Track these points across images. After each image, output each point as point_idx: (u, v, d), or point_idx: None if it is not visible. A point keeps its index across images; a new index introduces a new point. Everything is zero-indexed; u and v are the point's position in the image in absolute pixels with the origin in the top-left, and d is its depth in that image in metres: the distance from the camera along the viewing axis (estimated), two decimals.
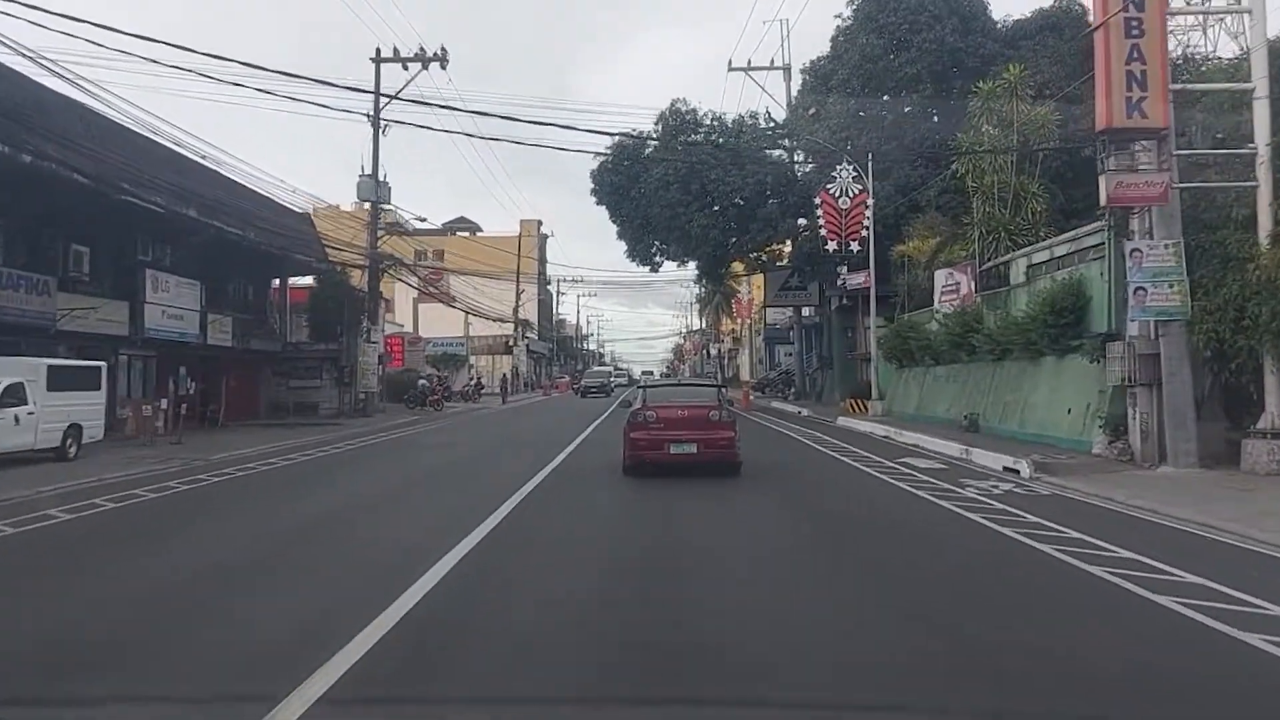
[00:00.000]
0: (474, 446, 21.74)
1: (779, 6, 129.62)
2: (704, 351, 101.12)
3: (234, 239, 27.35)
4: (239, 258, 29.62)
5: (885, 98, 30.56)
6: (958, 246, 26.45)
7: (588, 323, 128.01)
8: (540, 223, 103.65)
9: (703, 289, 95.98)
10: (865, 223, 26.68)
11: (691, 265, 43.34)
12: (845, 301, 32.45)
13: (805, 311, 42.73)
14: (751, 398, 37.36)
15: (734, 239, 34.15)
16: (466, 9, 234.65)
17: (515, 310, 67.08)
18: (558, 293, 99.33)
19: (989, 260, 22.16)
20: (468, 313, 54.63)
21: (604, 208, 37.59)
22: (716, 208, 32.77)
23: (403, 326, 56.37)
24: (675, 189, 32.72)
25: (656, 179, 33.27)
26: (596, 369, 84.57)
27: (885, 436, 21.49)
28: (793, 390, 42.47)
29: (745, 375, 66.20)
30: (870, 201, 26.64)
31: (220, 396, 30.46)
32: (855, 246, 26.79)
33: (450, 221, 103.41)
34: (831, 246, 26.93)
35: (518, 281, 67.07)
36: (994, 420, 19.17)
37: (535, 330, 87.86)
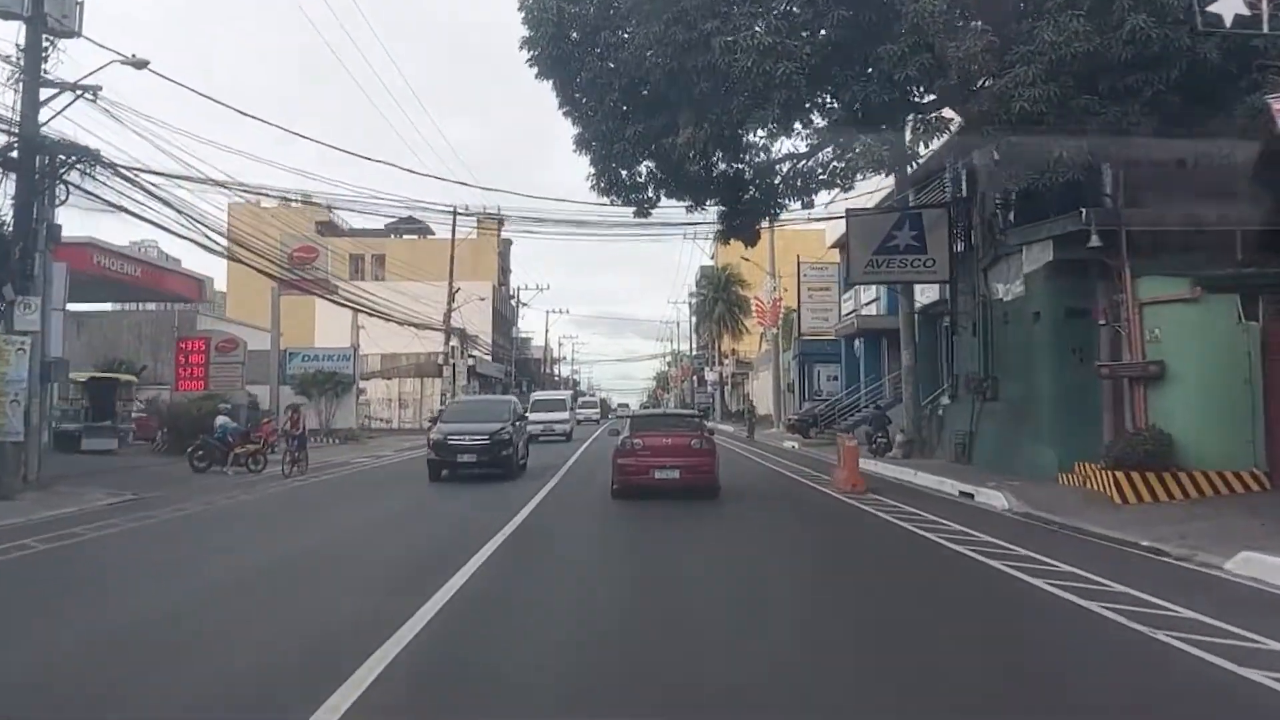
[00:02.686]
0: None
1: None
2: (695, 378, 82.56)
3: None
4: None
5: None
6: None
7: (559, 343, 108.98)
8: (502, 223, 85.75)
9: (696, 298, 76.81)
10: None
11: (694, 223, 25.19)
12: (1095, 241, 13.79)
13: (921, 295, 24.10)
14: (861, 465, 17.49)
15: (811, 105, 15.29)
16: None
17: (447, 316, 48.23)
18: (518, 303, 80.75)
19: None
20: (356, 310, 35.86)
21: (551, 87, 19.08)
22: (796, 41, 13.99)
23: (281, 334, 37.40)
24: None
25: None
26: (477, 399, 29.45)
27: None
28: (884, 436, 23.82)
29: (765, 406, 47.58)
30: None
31: None
32: None
33: (395, 222, 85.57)
34: None
35: (451, 277, 48.37)
36: None
37: (490, 350, 69.20)
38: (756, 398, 54.51)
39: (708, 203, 21.80)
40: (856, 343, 34.33)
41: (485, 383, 67.95)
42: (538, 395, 44.45)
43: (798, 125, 17.83)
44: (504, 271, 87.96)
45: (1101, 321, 14.61)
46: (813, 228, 52.68)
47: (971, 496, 14.92)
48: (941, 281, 21.97)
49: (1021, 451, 17.02)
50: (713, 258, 71.83)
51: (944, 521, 12.15)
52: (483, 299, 59.30)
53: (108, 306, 32.28)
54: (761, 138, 16.51)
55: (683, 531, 12.09)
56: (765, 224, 23.86)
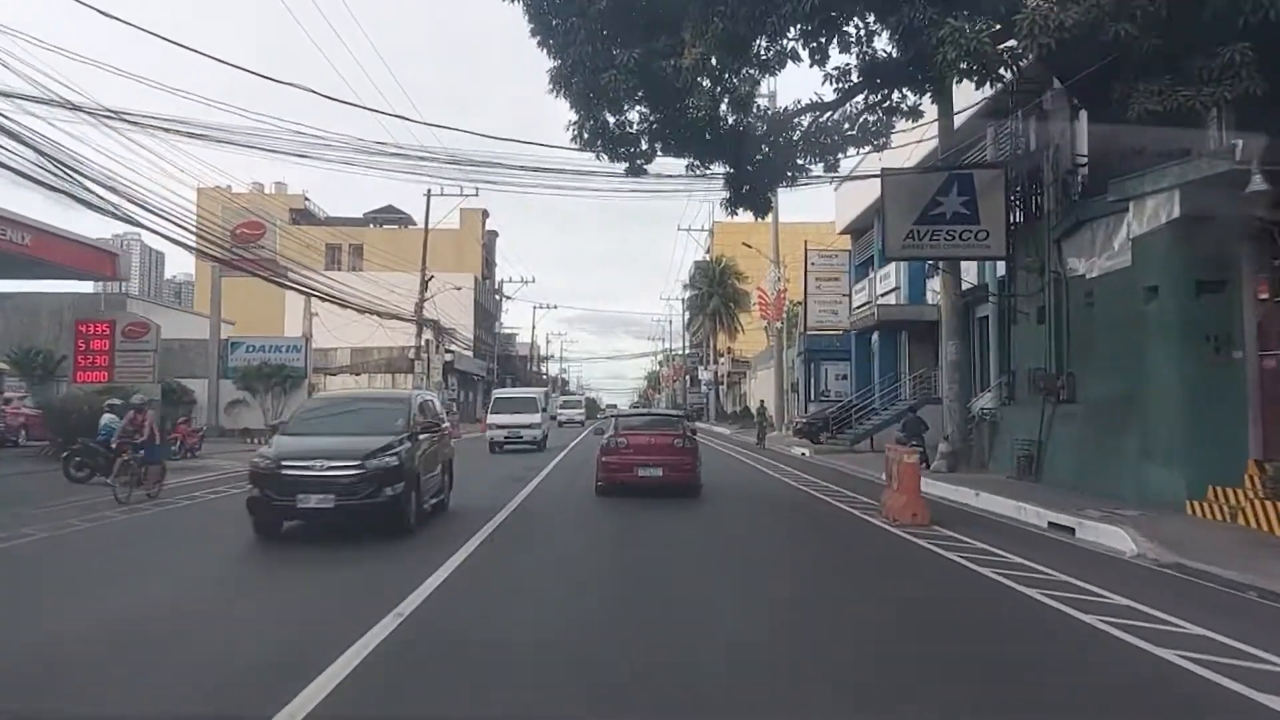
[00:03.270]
0: None
1: None
2: (687, 377, 78.84)
3: None
4: None
5: None
6: None
7: (547, 340, 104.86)
8: (486, 213, 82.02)
9: (690, 292, 72.50)
10: None
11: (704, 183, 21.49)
12: (1258, 184, 10.01)
13: (967, 274, 20.19)
14: (921, 484, 12.80)
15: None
16: None
17: (419, 305, 44.19)
18: (502, 296, 76.71)
19: None
20: (309, 295, 31.84)
21: (521, 10, 15.23)
22: None
23: (233, 323, 33.28)
24: None
25: None
26: (346, 397, 16.48)
27: None
28: (920, 444, 19.92)
29: (769, 408, 43.64)
30: None
31: None
32: None
33: (374, 211, 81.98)
34: None
35: (424, 261, 44.39)
36: None
37: (470, 344, 65.10)
38: (757, 398, 50.64)
39: (712, 164, 18.14)
40: (874, 337, 30.47)
41: (464, 379, 63.97)
42: (500, 392, 37.53)
43: (834, 48, 14.12)
44: (488, 264, 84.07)
45: (1262, 296, 10.80)
46: (818, 220, 49.11)
47: (1072, 531, 11.10)
48: (997, 257, 18.17)
49: (1117, 468, 13.21)
50: (708, 251, 68.01)
51: (1083, 585, 7.89)
52: (459, 288, 55.16)
53: (12, 286, 28.21)
54: (790, 42, 12.65)
55: (698, 604, 8.19)
56: (781, 188, 20.05)
